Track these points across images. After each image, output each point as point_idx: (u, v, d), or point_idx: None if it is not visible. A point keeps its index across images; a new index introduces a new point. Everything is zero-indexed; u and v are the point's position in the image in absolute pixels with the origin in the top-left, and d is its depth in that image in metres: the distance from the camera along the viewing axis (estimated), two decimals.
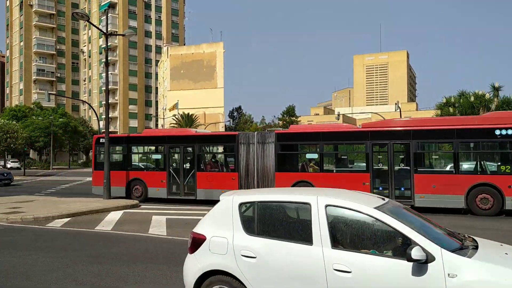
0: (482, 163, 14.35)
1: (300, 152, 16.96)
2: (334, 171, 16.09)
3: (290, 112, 70.18)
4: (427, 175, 14.68)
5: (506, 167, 13.53)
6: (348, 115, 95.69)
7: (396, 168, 14.89)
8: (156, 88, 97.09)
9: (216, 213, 5.02)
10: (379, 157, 15.87)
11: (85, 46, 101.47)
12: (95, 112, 43.35)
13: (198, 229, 4.99)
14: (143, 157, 19.57)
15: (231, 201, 4.95)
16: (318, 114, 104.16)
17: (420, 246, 3.81)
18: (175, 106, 63.92)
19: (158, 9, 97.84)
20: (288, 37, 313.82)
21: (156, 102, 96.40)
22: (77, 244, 9.64)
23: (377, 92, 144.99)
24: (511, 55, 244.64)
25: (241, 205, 4.85)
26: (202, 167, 17.46)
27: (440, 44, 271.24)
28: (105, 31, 18.83)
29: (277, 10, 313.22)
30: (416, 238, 3.93)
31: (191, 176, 17.48)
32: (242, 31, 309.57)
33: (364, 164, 15.43)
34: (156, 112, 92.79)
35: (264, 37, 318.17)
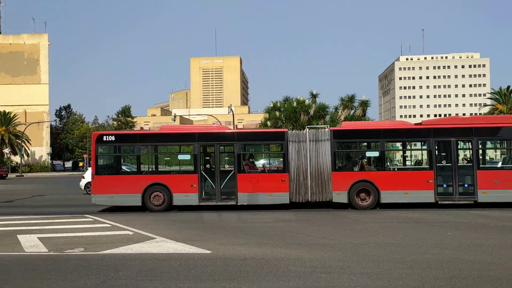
0: None
1: (359, 150, 16.54)
2: (396, 169, 16.42)
3: (126, 112, 67.86)
4: (490, 171, 15.45)
5: None
6: (185, 116, 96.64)
7: (460, 164, 15.23)
8: None
9: None
10: (442, 154, 15.55)
11: None
12: None
13: None
14: (165, 158, 17.36)
15: None
16: (155, 115, 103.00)
17: None
18: None
19: None
20: (126, 35, 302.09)
21: None
22: None
23: (213, 94, 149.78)
24: (325, 66, 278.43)
25: None
26: (243, 168, 15.70)
27: (269, 52, 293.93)
28: None
29: (115, 6, 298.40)
30: None
31: (229, 178, 15.61)
32: (76, 24, 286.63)
33: (427, 161, 15.55)
34: None
35: (98, 31, 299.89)
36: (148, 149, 16.40)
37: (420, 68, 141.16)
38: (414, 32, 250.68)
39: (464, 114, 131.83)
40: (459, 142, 15.37)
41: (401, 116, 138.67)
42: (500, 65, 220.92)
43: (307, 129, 16.03)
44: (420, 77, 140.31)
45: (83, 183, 23.26)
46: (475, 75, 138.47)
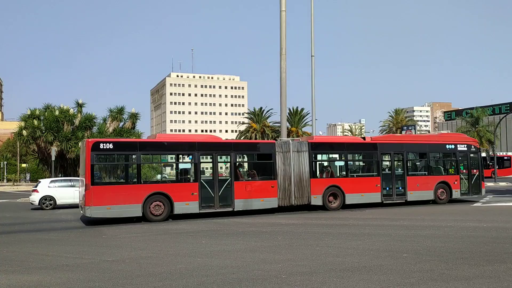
0: (443, 168, 20.80)
1: (330, 160, 19.34)
2: (356, 176, 19.30)
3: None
4: (414, 177, 19.75)
5: (452, 170, 20.62)
6: None
7: (396, 172, 19.33)
8: None
9: None
10: (386, 164, 19.49)
11: None
12: None
13: None
14: (166, 167, 16.98)
15: None
16: None
17: None
18: None
19: None
20: None
21: None
22: None
23: None
24: (97, 78, 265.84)
25: None
26: (239, 176, 16.68)
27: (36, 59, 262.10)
28: None
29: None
30: None
31: (226, 186, 16.38)
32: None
33: (376, 169, 19.07)
34: None
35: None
36: (149, 158, 16.35)
37: (190, 85, 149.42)
38: (184, 51, 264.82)
39: (227, 131, 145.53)
40: (395, 154, 19.52)
41: (171, 130, 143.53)
42: (256, 89, 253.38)
43: (290, 141, 18.30)
44: (190, 94, 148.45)
45: (36, 197, 21.09)
46: (235, 96, 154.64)
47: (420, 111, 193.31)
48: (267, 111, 66.41)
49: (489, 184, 36.00)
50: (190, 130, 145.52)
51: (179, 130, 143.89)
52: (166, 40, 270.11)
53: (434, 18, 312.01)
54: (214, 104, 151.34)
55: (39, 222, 16.46)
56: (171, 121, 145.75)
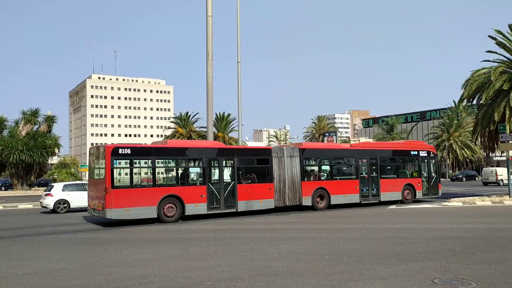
0: (408, 171, 23.10)
1: (318, 164, 20.91)
2: (338, 179, 20.90)
3: None
4: (385, 179, 21.72)
5: (416, 173, 23.00)
6: None
7: (371, 175, 21.36)
8: None
9: None
10: (363, 168, 21.39)
11: None
12: None
13: None
14: (178, 171, 17.42)
15: None
16: None
17: None
18: None
19: None
20: None
21: None
22: None
23: None
24: (8, 77, 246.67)
25: None
26: (241, 180, 17.94)
27: None
28: None
29: None
30: None
31: (231, 188, 17.61)
32: None
33: (355, 173, 21.11)
34: None
35: None
36: (163, 162, 17.12)
37: (112, 88, 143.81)
38: (106, 52, 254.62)
39: (152, 136, 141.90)
40: (370, 159, 21.47)
41: (92, 135, 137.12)
42: (183, 93, 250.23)
43: (284, 147, 19.94)
44: (112, 97, 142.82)
45: (51, 201, 21.53)
46: (161, 100, 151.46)
47: (341, 118, 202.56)
48: (194, 116, 65.93)
49: None
50: (112, 135, 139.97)
51: (101, 135, 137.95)
52: (87, 40, 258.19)
53: (354, 30, 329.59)
54: (139, 108, 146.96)
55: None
56: (92, 124, 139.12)
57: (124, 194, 15.47)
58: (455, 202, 21.76)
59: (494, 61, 25.60)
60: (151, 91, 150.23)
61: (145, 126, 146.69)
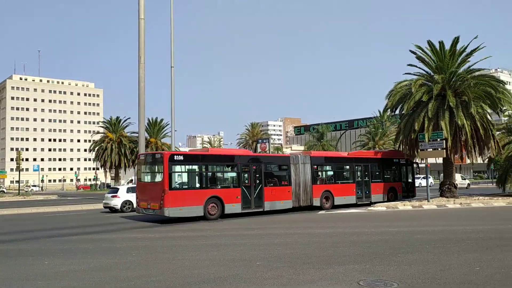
0: (391, 176, 26.56)
1: (324, 170, 23.78)
2: (340, 183, 23.83)
3: None
4: (376, 183, 24.79)
5: (397, 178, 26.95)
6: None
7: (364, 180, 24.61)
8: None
9: None
10: (358, 173, 24.42)
11: None
12: None
13: None
14: (219, 175, 19.68)
15: None
16: None
17: None
18: None
19: None
20: None
21: None
22: None
23: None
24: None
25: None
26: (266, 183, 20.34)
27: None
28: None
29: None
30: None
31: (259, 191, 19.98)
32: None
33: (352, 178, 24.30)
34: None
35: None
36: (209, 167, 19.05)
37: (36, 90, 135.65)
38: (30, 52, 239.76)
39: (79, 141, 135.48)
40: (364, 166, 24.67)
41: (12, 139, 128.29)
42: (113, 97, 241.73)
43: (299, 155, 22.89)
44: (35, 99, 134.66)
45: (118, 201, 24.00)
46: (90, 104, 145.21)
47: (274, 125, 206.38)
48: (125, 121, 63.95)
49: None
50: (35, 139, 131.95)
51: (22, 139, 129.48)
52: (7, 38, 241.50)
53: (287, 40, 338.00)
54: (65, 112, 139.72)
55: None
56: (12, 128, 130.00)
57: (178, 195, 17.67)
58: (380, 207, 22.92)
59: (414, 74, 27.39)
60: (78, 94, 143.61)
61: (72, 131, 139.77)
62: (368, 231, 14.09)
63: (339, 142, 60.41)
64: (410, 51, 26.84)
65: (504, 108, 26.80)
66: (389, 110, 29.19)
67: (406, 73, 27.92)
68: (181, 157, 18.40)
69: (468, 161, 28.49)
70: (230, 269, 8.46)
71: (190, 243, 12.40)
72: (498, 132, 29.83)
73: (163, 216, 17.43)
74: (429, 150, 24.51)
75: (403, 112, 27.71)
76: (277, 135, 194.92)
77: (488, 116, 26.46)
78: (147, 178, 19.05)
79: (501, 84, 26.05)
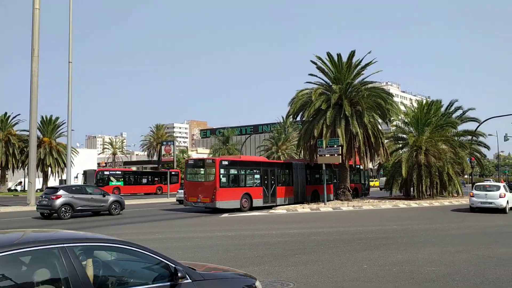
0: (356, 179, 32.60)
1: (314, 173, 29.71)
2: (322, 184, 27.32)
3: None
4: (281, 187, 26.78)
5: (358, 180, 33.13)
6: None
7: (335, 182, 30.60)
8: None
9: None
10: (335, 175, 30.72)
11: None
12: None
13: None
14: (249, 176, 25.31)
15: None
16: None
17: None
18: None
19: None
20: None
21: None
22: None
23: None
24: None
25: None
26: (277, 183, 26.26)
27: None
28: None
29: None
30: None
31: (273, 189, 25.87)
32: None
33: (330, 180, 30.35)
34: None
35: None
36: (242, 170, 25.04)
37: None
38: None
39: None
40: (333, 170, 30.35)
41: None
42: (3, 92, 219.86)
43: (298, 162, 29.08)
44: None
45: (178, 196, 30.63)
46: None
47: (180, 127, 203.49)
48: (14, 118, 58.44)
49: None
50: None
51: None
52: None
53: (196, 41, 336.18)
54: None
55: None
56: None
57: (224, 191, 22.95)
58: (281, 210, 23.74)
59: (315, 83, 28.90)
60: None
61: None
62: (269, 233, 14.48)
63: (244, 146, 61.45)
64: (311, 61, 28.30)
65: (392, 118, 29.40)
66: (291, 116, 30.45)
67: (307, 82, 29.38)
68: (226, 162, 24.09)
69: (361, 166, 30.77)
70: None
71: None
72: (387, 140, 32.61)
73: (214, 207, 22.51)
74: (326, 155, 25.98)
75: (304, 119, 29.08)
76: (183, 137, 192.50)
77: (379, 126, 28.81)
78: (198, 178, 24.65)
79: (390, 97, 28.54)
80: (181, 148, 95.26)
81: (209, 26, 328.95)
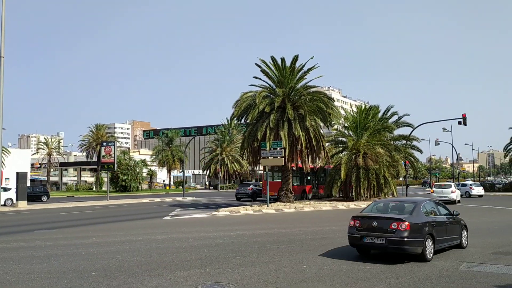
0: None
1: (318, 176, 37.89)
2: (318, 184, 37.79)
3: None
4: (274, 182, 33.01)
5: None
6: None
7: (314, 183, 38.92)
8: None
9: None
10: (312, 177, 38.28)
11: None
12: None
13: None
14: (304, 178, 35.19)
15: None
16: None
17: None
18: None
19: None
20: None
21: None
22: None
23: None
24: None
25: None
26: (319, 183, 37.46)
27: None
28: None
29: None
30: None
31: (317, 187, 37.21)
32: None
33: (322, 182, 38.04)
34: None
35: None
36: (302, 172, 33.59)
37: None
38: None
39: None
40: (316, 173, 37.95)
41: None
42: None
43: (315, 167, 35.90)
44: None
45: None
46: None
47: (122, 128, 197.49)
48: None
49: (179, 198, 39.85)
50: None
51: None
52: None
53: (139, 41, 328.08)
54: None
55: None
56: None
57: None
58: (224, 212, 23.70)
59: (259, 86, 29.18)
60: None
61: None
62: (211, 235, 14.42)
63: (188, 147, 60.82)
64: (256, 64, 28.56)
65: (333, 122, 30.31)
66: (236, 118, 30.51)
67: (251, 85, 29.57)
68: (293, 168, 30.67)
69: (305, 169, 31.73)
70: (61, 281, 7.78)
71: (16, 255, 10.98)
72: (328, 144, 33.60)
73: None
74: (270, 158, 26.29)
75: (248, 121, 29.22)
76: (125, 138, 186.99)
77: (320, 129, 29.59)
78: (274, 178, 32.89)
79: (331, 101, 29.43)
80: (123, 149, 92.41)
81: (153, 25, 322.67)
